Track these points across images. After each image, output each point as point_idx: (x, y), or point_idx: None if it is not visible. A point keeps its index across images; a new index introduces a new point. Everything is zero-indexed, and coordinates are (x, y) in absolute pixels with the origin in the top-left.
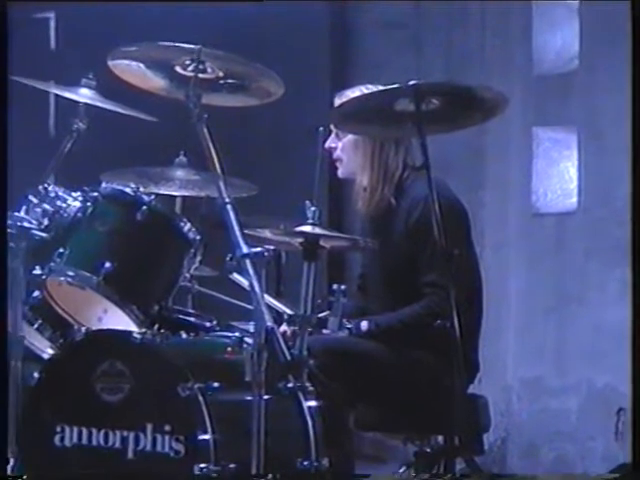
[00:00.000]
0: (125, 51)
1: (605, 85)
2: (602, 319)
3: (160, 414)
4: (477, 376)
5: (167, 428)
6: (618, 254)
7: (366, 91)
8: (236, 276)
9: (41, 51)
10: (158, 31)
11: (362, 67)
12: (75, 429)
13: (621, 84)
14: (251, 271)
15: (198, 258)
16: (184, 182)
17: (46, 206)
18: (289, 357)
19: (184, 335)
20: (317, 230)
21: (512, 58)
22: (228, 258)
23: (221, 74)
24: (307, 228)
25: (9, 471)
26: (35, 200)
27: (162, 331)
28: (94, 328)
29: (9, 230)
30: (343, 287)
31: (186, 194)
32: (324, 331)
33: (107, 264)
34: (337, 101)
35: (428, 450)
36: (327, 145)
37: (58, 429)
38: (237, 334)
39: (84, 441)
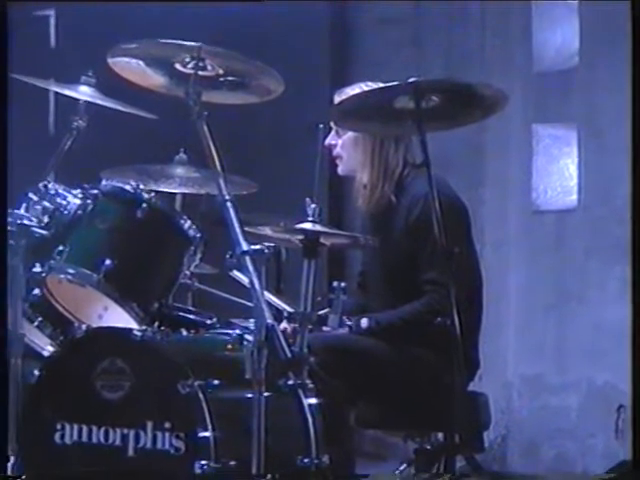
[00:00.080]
0: (125, 48)
1: (605, 82)
2: (602, 317)
3: (160, 411)
4: (477, 373)
5: (167, 425)
6: (618, 252)
7: (366, 88)
8: (236, 273)
9: (41, 49)
10: (158, 29)
11: (362, 65)
12: (75, 427)
13: (621, 81)
14: (251, 268)
15: (198, 255)
16: (184, 179)
17: (46, 204)
18: (289, 354)
19: (184, 332)
20: (317, 227)
21: (512, 55)
22: (228, 255)
23: (221, 71)
24: (307, 225)
25: (9, 469)
26: (35, 198)
27: (162, 328)
28: (94, 326)
29: (9, 228)
30: (343, 284)
31: (186, 191)
32: (324, 328)
33: (107, 261)
34: (337, 98)
35: (428, 447)
36: (327, 142)
37: (58, 427)
38: (237, 331)
39: (84, 439)
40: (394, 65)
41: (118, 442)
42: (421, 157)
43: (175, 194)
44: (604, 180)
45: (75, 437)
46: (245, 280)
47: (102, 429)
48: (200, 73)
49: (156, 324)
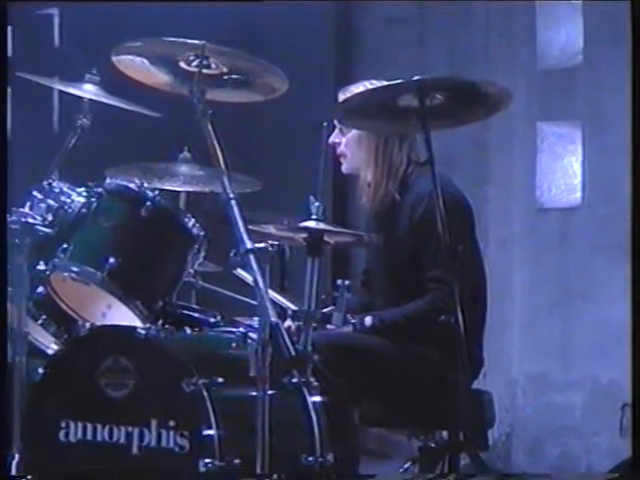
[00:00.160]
0: (129, 47)
1: (609, 81)
2: (606, 315)
3: (165, 410)
4: (481, 371)
5: (172, 423)
6: (622, 250)
7: (370, 87)
8: (240, 271)
9: (45, 47)
10: (162, 27)
11: (366, 63)
12: (80, 425)
13: (625, 80)
14: (255, 266)
15: (202, 254)
16: (188, 178)
17: (50, 202)
18: (293, 352)
19: (188, 330)
20: (321, 225)
21: (516, 54)
22: (232, 253)
23: (225, 70)
24: (311, 223)
25: (14, 467)
26: (39, 196)
27: (166, 327)
28: (98, 324)
29: (13, 226)
30: (347, 282)
31: (190, 189)
32: (328, 326)
33: (111, 260)
34: (341, 97)
35: (432, 445)
36: (331, 141)
37: (63, 425)
38: (241, 329)
39: (89, 437)
40: (398, 63)
41: (122, 440)
42: (425, 155)
43: (179, 192)
44: (608, 178)
45: (79, 435)
46: (249, 278)
47: (106, 427)
48: (204, 71)
49: (160, 322)
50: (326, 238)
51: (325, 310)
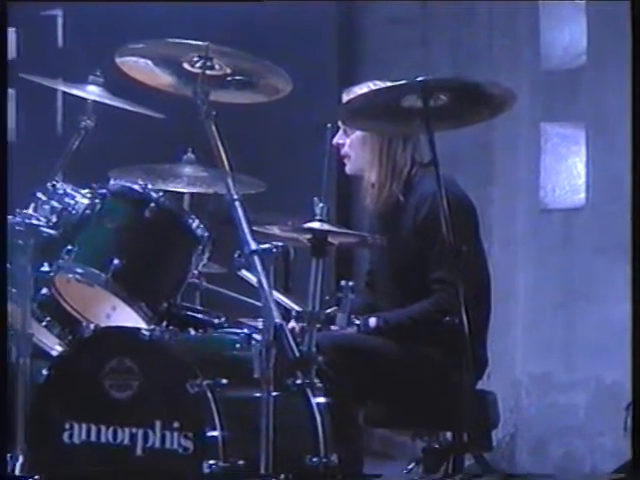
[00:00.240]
0: (133, 48)
1: (613, 81)
2: (610, 315)
3: (169, 411)
4: (486, 372)
5: (176, 425)
6: (626, 250)
7: (374, 87)
8: (244, 273)
9: (49, 49)
10: (165, 28)
11: (370, 64)
12: (84, 426)
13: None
14: (259, 267)
15: (206, 255)
16: (192, 179)
17: (54, 203)
18: (298, 354)
19: (193, 332)
20: (325, 226)
21: (520, 55)
22: (236, 255)
23: (229, 71)
24: (315, 224)
25: (18, 468)
26: (43, 197)
27: (171, 328)
28: (103, 325)
29: (18, 227)
30: (351, 283)
31: (194, 191)
32: (332, 327)
33: (115, 261)
34: (345, 97)
35: (437, 446)
36: (335, 142)
37: (67, 426)
38: (245, 331)
39: (93, 438)
40: (402, 64)
41: (127, 441)
42: (429, 156)
43: (183, 193)
44: (612, 178)
45: (84, 437)
46: (253, 279)
47: (110, 429)
48: (208, 72)
49: (164, 323)
50: (330, 239)
51: (329, 311)
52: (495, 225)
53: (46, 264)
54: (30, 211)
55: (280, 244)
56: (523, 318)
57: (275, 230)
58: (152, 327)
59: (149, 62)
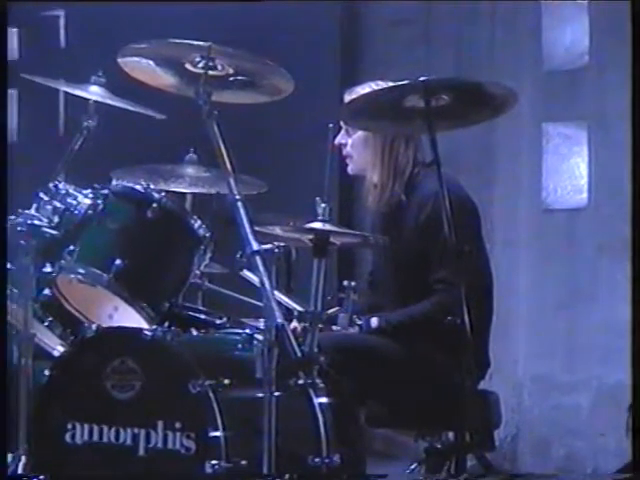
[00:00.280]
0: (135, 48)
1: (615, 81)
2: (612, 315)
3: (171, 411)
4: (488, 372)
5: (178, 425)
6: (629, 250)
7: (376, 87)
8: (246, 273)
9: (51, 49)
10: (168, 29)
11: (372, 64)
12: (86, 426)
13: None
14: (261, 268)
15: (208, 255)
16: (194, 179)
17: (57, 204)
18: (299, 354)
19: (194, 332)
20: (327, 227)
21: (522, 54)
22: (238, 255)
23: (231, 71)
24: (317, 225)
25: (20, 468)
26: (46, 198)
27: (172, 328)
28: (105, 325)
29: (20, 228)
30: (353, 284)
31: (196, 191)
32: (334, 328)
33: (117, 261)
34: (347, 97)
35: (439, 447)
36: (337, 142)
37: (69, 426)
38: (247, 331)
39: (95, 438)
40: (404, 64)
41: (129, 442)
42: (431, 156)
43: (185, 194)
44: (614, 178)
45: (86, 437)
46: (255, 279)
47: (113, 429)
48: (210, 73)
49: (166, 324)
50: (332, 239)
51: (331, 311)
52: (497, 225)
53: (48, 264)
54: (32, 211)
55: (282, 244)
56: (525, 318)
57: (277, 230)
58: (154, 327)
59: (151, 62)
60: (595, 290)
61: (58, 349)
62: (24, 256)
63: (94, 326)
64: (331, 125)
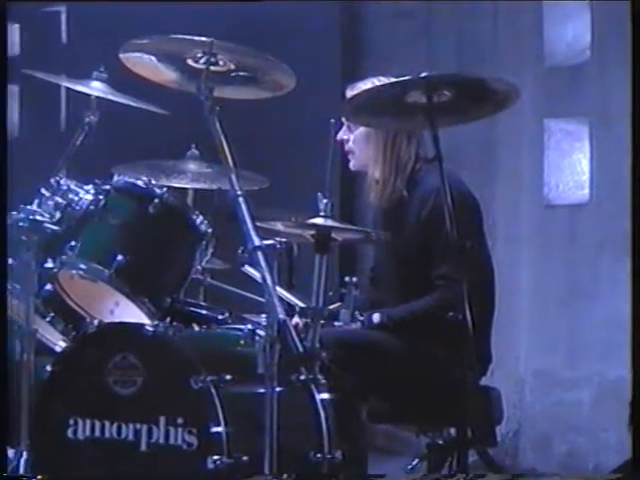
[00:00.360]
0: (137, 44)
1: (617, 77)
2: (614, 311)
3: (173, 407)
4: (489, 368)
5: (180, 421)
6: (630, 246)
7: (378, 83)
8: (248, 268)
9: (52, 45)
10: (169, 24)
11: (374, 60)
12: (88, 422)
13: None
14: (263, 263)
15: (210, 251)
16: (196, 175)
17: (58, 199)
18: (301, 349)
19: (196, 328)
20: (329, 222)
21: (524, 50)
22: (240, 251)
23: (233, 67)
24: (319, 220)
25: (22, 464)
26: (47, 193)
27: (174, 324)
28: (106, 321)
29: (21, 223)
30: (355, 279)
31: (198, 187)
32: (336, 323)
33: (119, 257)
34: (349, 93)
35: (441, 442)
36: (339, 137)
37: (71, 422)
38: (249, 327)
39: (97, 434)
40: (406, 60)
41: (131, 437)
42: (433, 152)
43: (187, 189)
44: (616, 174)
45: (88, 432)
46: (257, 275)
47: (115, 424)
48: (212, 68)
49: (168, 319)
50: (334, 235)
51: (333, 307)
52: (499, 221)
53: (50, 260)
54: (34, 207)
55: (284, 240)
56: (527, 314)
57: (279, 226)
58: (156, 323)
59: (153, 58)
60: (596, 286)
61: (60, 345)
62: (26, 252)
63: (96, 322)
64: (333, 121)
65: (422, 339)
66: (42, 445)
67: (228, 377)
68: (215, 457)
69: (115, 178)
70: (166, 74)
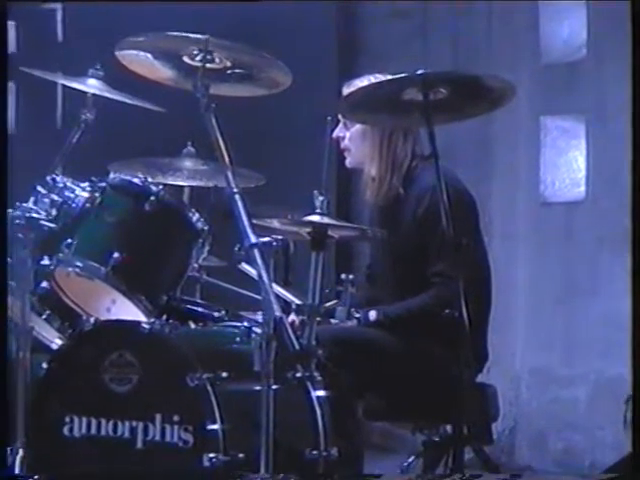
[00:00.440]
0: (133, 41)
1: (613, 74)
2: (611, 308)
3: (169, 404)
4: (486, 365)
5: (176, 418)
6: (627, 243)
7: (374, 81)
8: (244, 266)
9: (48, 42)
10: (166, 22)
11: (370, 57)
12: (84, 419)
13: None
14: (259, 261)
15: (206, 248)
16: (192, 172)
17: (54, 197)
18: (298, 347)
19: (192, 325)
20: (325, 220)
21: (519, 47)
22: (236, 248)
23: (229, 64)
24: (315, 218)
25: (18, 462)
26: (43, 191)
27: (171, 321)
28: (103, 319)
29: (17, 221)
30: (351, 277)
31: (194, 184)
32: (332, 321)
33: (115, 254)
34: (345, 91)
35: (437, 439)
36: (335, 135)
37: (67, 419)
38: (245, 324)
39: (93, 431)
40: (402, 57)
41: (127, 435)
42: (429, 149)
43: (183, 187)
44: (612, 171)
45: (84, 430)
46: (253, 273)
47: (111, 422)
48: (208, 66)
49: (164, 317)
50: (330, 232)
51: (329, 304)
52: (495, 218)
53: (46, 258)
54: (30, 204)
55: (280, 237)
56: (523, 311)
57: (275, 223)
58: (152, 320)
59: (149, 55)
60: (594, 283)
61: (56, 342)
62: (22, 249)
63: (92, 319)
64: (329, 118)
65: (418, 336)
66: (38, 443)
67: (224, 375)
68: (211, 455)
69: (111, 176)
70: (162, 71)
